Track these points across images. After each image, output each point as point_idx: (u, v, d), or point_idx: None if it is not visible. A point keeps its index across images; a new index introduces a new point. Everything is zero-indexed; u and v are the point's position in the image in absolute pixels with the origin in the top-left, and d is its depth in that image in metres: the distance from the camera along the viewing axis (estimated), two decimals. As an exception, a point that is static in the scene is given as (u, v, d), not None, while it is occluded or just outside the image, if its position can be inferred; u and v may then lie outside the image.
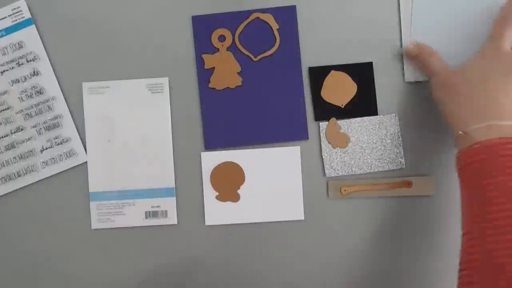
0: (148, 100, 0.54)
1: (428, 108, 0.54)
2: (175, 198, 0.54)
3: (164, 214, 0.54)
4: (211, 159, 0.55)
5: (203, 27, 0.55)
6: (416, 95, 0.55)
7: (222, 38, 0.55)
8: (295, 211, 0.54)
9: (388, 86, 0.55)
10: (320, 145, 0.55)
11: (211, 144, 0.55)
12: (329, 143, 0.55)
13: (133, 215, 0.54)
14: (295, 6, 0.55)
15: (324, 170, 0.55)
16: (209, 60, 0.55)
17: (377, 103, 0.55)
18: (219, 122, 0.55)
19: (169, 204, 0.54)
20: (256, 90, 0.55)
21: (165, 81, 0.55)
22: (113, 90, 0.55)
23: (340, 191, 0.54)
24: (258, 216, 0.54)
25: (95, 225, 0.54)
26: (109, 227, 0.54)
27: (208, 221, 0.55)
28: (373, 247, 0.54)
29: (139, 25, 0.55)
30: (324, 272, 0.54)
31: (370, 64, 0.55)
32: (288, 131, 0.55)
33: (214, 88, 0.55)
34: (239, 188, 0.55)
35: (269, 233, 0.55)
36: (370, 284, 0.54)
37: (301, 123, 0.55)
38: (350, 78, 0.55)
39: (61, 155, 0.54)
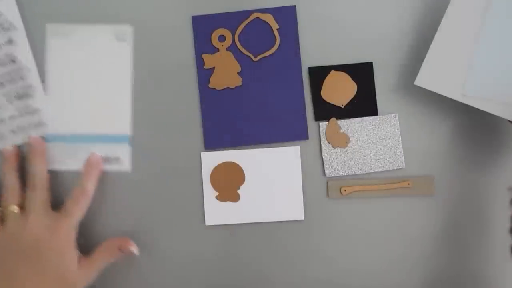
0: (111, 47, 0.55)
1: (428, 108, 0.55)
2: (129, 144, 0.54)
3: (118, 160, 0.54)
4: (211, 159, 0.55)
5: (203, 27, 0.55)
6: (416, 95, 0.55)
7: (222, 38, 0.55)
8: (295, 211, 0.54)
9: (388, 86, 0.55)
10: (320, 145, 0.55)
11: (211, 144, 0.55)
12: (329, 143, 0.55)
13: (85, 159, 0.54)
14: (295, 6, 0.55)
15: (324, 170, 0.55)
16: (209, 60, 0.55)
17: (377, 103, 0.55)
18: (219, 122, 0.55)
19: (123, 151, 0.54)
20: (256, 90, 0.55)
21: (129, 28, 0.55)
22: (76, 34, 0.55)
23: (340, 191, 0.54)
24: (258, 216, 0.54)
25: (51, 166, 0.54)
26: (63, 169, 0.54)
27: (208, 221, 0.55)
28: (373, 247, 0.54)
29: (139, 25, 0.55)
30: (324, 272, 0.54)
31: (370, 64, 0.55)
32: (288, 131, 0.55)
33: (214, 88, 0.55)
34: (239, 188, 0.55)
35: (269, 233, 0.55)
36: (370, 284, 0.54)
37: (301, 123, 0.55)
38: (350, 78, 0.55)
39: (30, 124, 0.54)
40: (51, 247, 0.49)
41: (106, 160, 0.55)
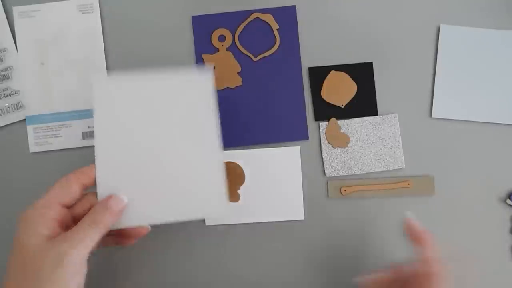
0: (79, 21, 0.55)
1: (428, 108, 0.55)
2: None
3: None
4: (211, 159, 0.55)
5: (203, 27, 0.55)
6: (416, 95, 0.55)
7: (222, 38, 0.55)
8: (295, 211, 0.54)
9: (388, 86, 0.55)
10: (320, 145, 0.55)
11: (211, 144, 0.55)
12: (329, 143, 0.55)
13: (70, 137, 0.55)
14: (295, 6, 0.55)
15: (324, 170, 0.55)
16: (209, 60, 0.55)
17: (377, 103, 0.55)
18: (219, 122, 0.55)
19: None
20: (256, 90, 0.55)
21: (95, 1, 0.55)
22: (44, 13, 0.55)
23: (340, 191, 0.54)
24: (258, 216, 0.54)
25: (33, 148, 0.55)
26: (46, 150, 0.55)
27: (208, 221, 0.55)
28: (373, 247, 0.54)
29: (139, 25, 0.55)
30: (324, 272, 0.54)
31: (370, 64, 0.55)
32: (288, 131, 0.55)
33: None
34: (239, 188, 0.55)
35: (269, 233, 0.55)
36: (370, 284, 0.54)
37: (301, 123, 0.55)
38: (350, 78, 0.55)
39: (8, 107, 0.55)
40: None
41: (91, 135, 0.54)
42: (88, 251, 0.38)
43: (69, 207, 0.40)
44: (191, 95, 0.45)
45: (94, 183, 0.42)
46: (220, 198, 0.44)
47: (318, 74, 0.55)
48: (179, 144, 0.44)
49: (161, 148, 0.44)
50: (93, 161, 0.54)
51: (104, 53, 0.55)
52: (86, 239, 0.37)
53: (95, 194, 0.42)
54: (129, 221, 0.42)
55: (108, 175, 0.43)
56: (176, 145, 0.44)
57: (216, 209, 0.44)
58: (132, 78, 0.45)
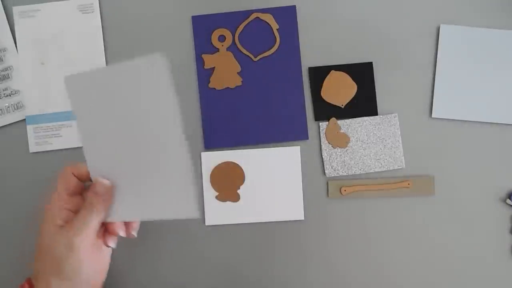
0: (79, 21, 0.55)
1: (428, 108, 0.55)
2: None
3: None
4: (211, 159, 0.55)
5: (203, 27, 0.55)
6: (416, 95, 0.55)
7: (222, 38, 0.55)
8: (295, 211, 0.54)
9: (388, 86, 0.55)
10: (320, 145, 0.55)
11: (211, 144, 0.55)
12: (329, 143, 0.55)
13: (70, 137, 0.55)
14: (295, 6, 0.55)
15: (324, 170, 0.55)
16: (209, 60, 0.55)
17: (377, 103, 0.55)
18: (219, 122, 0.55)
19: None
20: (256, 90, 0.55)
21: (95, 1, 0.55)
22: (44, 13, 0.55)
23: (340, 191, 0.54)
24: (258, 216, 0.54)
25: (33, 148, 0.55)
26: (46, 150, 0.55)
27: (208, 221, 0.55)
28: (373, 247, 0.54)
29: (139, 25, 0.55)
30: (323, 272, 0.54)
31: (370, 64, 0.55)
32: (288, 131, 0.55)
33: (214, 88, 0.55)
34: (239, 188, 0.55)
35: (269, 233, 0.55)
36: (370, 284, 0.54)
37: (301, 123, 0.55)
38: (350, 78, 0.55)
39: (8, 107, 0.55)
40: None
41: None
42: (91, 235, 0.42)
43: (75, 194, 0.44)
44: (147, 85, 0.40)
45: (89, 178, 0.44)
46: (189, 199, 0.41)
47: (318, 74, 0.55)
48: (147, 140, 0.42)
49: (133, 143, 0.42)
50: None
51: (104, 53, 0.55)
52: (86, 225, 0.42)
53: None
54: (116, 216, 0.44)
55: (98, 168, 0.44)
56: (144, 141, 0.42)
57: (185, 210, 0.41)
58: (98, 70, 0.43)
